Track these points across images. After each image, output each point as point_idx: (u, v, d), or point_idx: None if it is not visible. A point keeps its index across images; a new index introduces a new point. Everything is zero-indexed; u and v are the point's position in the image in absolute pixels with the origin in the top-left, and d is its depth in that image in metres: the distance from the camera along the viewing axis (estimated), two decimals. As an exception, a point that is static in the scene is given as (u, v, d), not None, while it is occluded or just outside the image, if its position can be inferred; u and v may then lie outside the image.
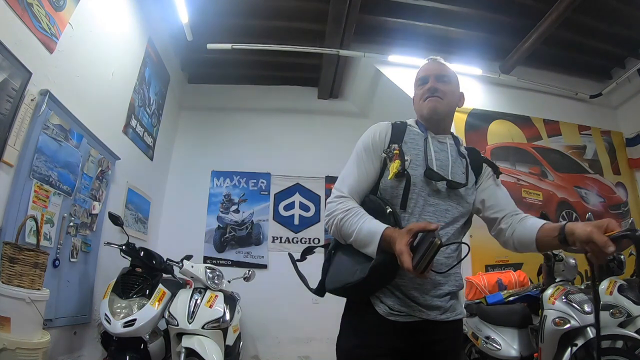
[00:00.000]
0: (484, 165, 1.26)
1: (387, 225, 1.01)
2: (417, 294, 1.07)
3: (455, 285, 1.14)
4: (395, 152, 1.13)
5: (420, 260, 0.87)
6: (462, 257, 1.10)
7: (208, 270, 2.75)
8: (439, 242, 0.85)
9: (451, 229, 1.14)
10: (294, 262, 1.40)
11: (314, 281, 1.24)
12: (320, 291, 1.18)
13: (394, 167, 1.11)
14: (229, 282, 3.06)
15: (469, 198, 1.19)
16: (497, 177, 1.26)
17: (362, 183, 1.15)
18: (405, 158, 1.13)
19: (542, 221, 1.08)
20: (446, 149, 1.23)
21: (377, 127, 1.23)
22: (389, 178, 1.12)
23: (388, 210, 1.07)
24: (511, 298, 2.77)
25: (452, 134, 1.30)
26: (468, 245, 1.07)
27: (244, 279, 3.15)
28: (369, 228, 1.02)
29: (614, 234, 0.85)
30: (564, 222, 0.98)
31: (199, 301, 2.56)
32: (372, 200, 1.13)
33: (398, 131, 1.21)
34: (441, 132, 1.27)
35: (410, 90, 4.90)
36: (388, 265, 0.97)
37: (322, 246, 1.28)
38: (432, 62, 1.32)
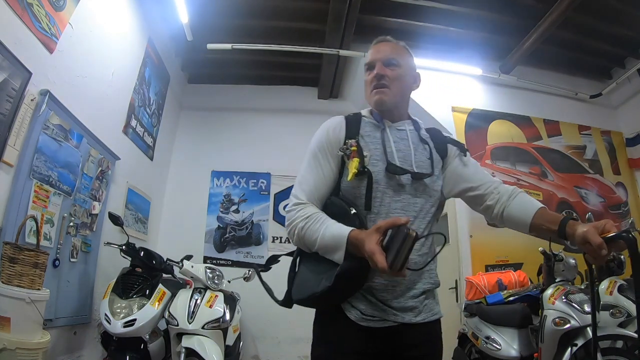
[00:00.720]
0: (449, 145, 1.18)
1: (352, 228, 0.93)
2: (390, 296, 1.00)
3: (431, 282, 1.07)
4: (352, 148, 1.04)
5: (396, 257, 0.81)
6: (438, 250, 1.03)
7: (208, 270, 2.75)
8: (414, 235, 0.80)
9: (422, 222, 1.07)
10: (258, 273, 1.35)
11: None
12: (287, 302, 1.10)
13: (352, 166, 1.02)
14: (229, 282, 3.06)
15: (436, 185, 1.11)
16: (465, 155, 1.16)
17: (321, 186, 1.07)
18: (364, 154, 1.05)
19: (535, 203, 1.03)
20: (406, 136, 1.14)
21: (329, 123, 1.15)
22: (348, 179, 1.03)
23: (352, 212, 1.00)
24: (511, 298, 2.77)
25: (410, 118, 1.20)
26: (444, 236, 1.00)
27: (244, 279, 3.15)
28: (332, 233, 0.95)
29: (609, 236, 0.84)
30: (563, 217, 0.94)
31: (199, 301, 2.56)
32: (334, 203, 1.05)
33: (353, 125, 1.12)
34: (398, 119, 1.17)
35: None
36: (356, 271, 0.92)
37: (288, 254, 1.20)
38: (381, 44, 1.21)
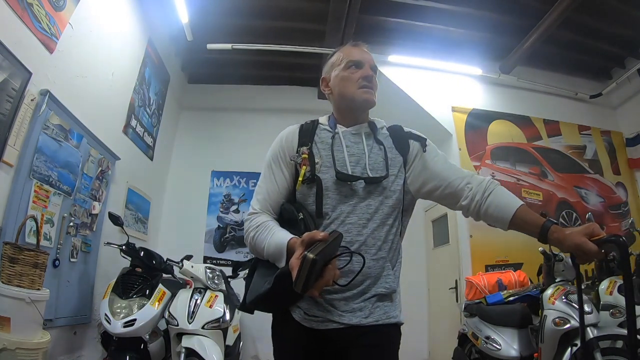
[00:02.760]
0: (411, 141, 1.15)
1: (292, 236, 0.94)
2: (339, 297, 0.99)
3: (385, 287, 1.03)
4: (303, 156, 1.06)
5: (297, 279, 0.77)
6: (360, 268, 0.93)
7: (208, 270, 2.75)
8: (311, 258, 0.76)
9: (376, 223, 1.04)
10: (226, 280, 1.34)
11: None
12: (242, 306, 1.09)
13: (301, 174, 1.04)
14: (228, 282, 3.06)
15: (394, 186, 1.08)
16: (424, 150, 1.12)
17: (274, 195, 1.08)
18: (316, 161, 1.06)
19: (513, 200, 1.01)
20: (361, 139, 1.12)
21: (284, 132, 1.17)
22: (297, 187, 1.05)
23: (299, 217, 1.01)
24: (511, 298, 2.77)
25: (369, 121, 1.18)
26: (362, 256, 0.93)
27: (244, 279, 3.14)
28: (276, 242, 0.97)
29: (599, 239, 0.86)
30: (545, 222, 0.94)
31: (199, 301, 2.56)
32: (287, 209, 1.06)
33: (307, 132, 1.13)
34: (357, 123, 1.16)
35: (411, 90, 4.86)
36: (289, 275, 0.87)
37: (248, 261, 1.22)
38: (363, 48, 1.22)
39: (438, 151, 1.16)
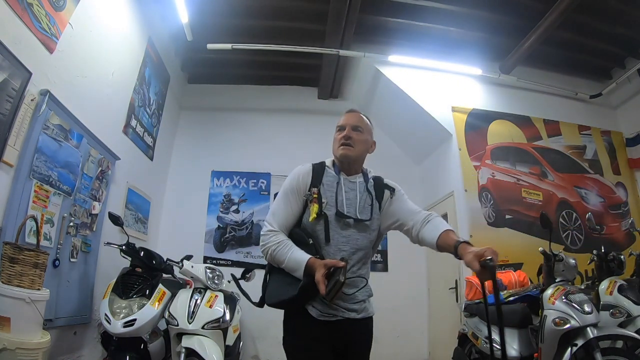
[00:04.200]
0: (385, 191, 1.50)
1: (310, 256, 1.29)
2: (340, 301, 1.34)
3: (367, 294, 1.44)
4: (314, 195, 1.39)
5: (330, 291, 1.20)
6: (362, 285, 1.39)
7: (208, 270, 2.75)
8: (342, 281, 1.18)
9: (361, 253, 1.42)
10: (236, 280, 1.91)
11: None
12: (260, 304, 1.44)
13: (313, 210, 1.37)
14: (229, 282, 3.06)
15: (373, 226, 1.45)
16: (392, 197, 1.48)
17: (289, 218, 1.42)
18: (323, 200, 1.40)
19: (441, 227, 1.33)
20: (355, 187, 1.47)
21: (300, 170, 1.47)
22: (310, 219, 1.38)
23: (310, 242, 1.35)
24: (511, 298, 2.77)
25: (363, 171, 1.53)
26: (366, 279, 1.40)
27: (244, 279, 3.14)
28: (295, 258, 1.31)
29: (482, 261, 1.09)
30: (455, 242, 1.22)
31: (199, 301, 2.56)
32: (297, 233, 1.40)
33: (317, 174, 1.46)
34: (353, 173, 1.50)
35: (411, 90, 4.88)
36: (312, 285, 1.24)
37: (261, 267, 1.55)
38: (351, 113, 1.56)
39: (404, 196, 1.52)
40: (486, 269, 1.08)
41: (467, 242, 1.21)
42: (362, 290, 1.40)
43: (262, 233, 1.42)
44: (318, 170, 1.48)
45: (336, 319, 1.35)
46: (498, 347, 2.55)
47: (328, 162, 1.53)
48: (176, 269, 2.80)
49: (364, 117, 1.57)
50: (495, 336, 2.59)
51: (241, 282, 3.17)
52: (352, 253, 1.38)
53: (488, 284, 1.14)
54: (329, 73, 4.66)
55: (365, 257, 1.44)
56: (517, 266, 3.50)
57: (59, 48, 2.36)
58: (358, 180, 1.50)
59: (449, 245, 1.26)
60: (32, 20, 2.12)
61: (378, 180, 1.54)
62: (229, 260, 4.38)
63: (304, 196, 1.42)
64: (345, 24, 3.80)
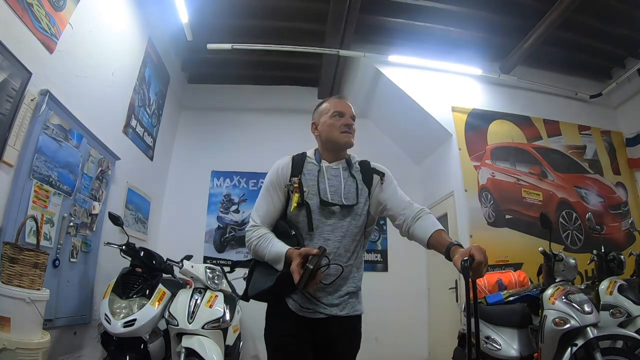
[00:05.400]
0: (374, 175, 1.47)
1: (288, 247, 1.26)
2: (321, 294, 1.32)
3: (354, 286, 1.38)
4: (295, 185, 1.37)
5: (300, 280, 1.14)
6: (338, 272, 1.30)
7: (208, 270, 2.75)
8: (311, 267, 1.13)
9: (349, 239, 1.38)
10: (224, 273, 1.94)
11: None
12: (245, 297, 1.42)
13: (294, 200, 1.35)
14: (228, 282, 3.06)
15: (361, 210, 1.41)
16: (382, 183, 1.45)
17: (271, 212, 1.40)
18: (304, 189, 1.37)
19: (433, 226, 1.30)
20: (339, 173, 1.45)
21: (279, 163, 1.47)
22: (291, 210, 1.36)
23: (292, 233, 1.34)
24: (511, 298, 2.77)
25: (346, 158, 1.50)
26: (342, 266, 1.30)
27: (244, 279, 3.14)
28: (276, 250, 1.29)
29: (462, 261, 1.10)
30: (449, 244, 1.20)
31: (199, 301, 2.56)
32: (281, 225, 1.39)
33: (297, 165, 1.44)
34: (337, 159, 1.48)
35: (411, 90, 4.86)
36: (289, 276, 1.19)
37: (248, 261, 1.52)
38: (346, 103, 1.51)
39: (393, 182, 1.48)
40: (465, 269, 1.09)
41: (460, 245, 1.21)
42: (347, 281, 1.35)
43: (246, 230, 1.42)
44: (298, 160, 1.46)
45: (317, 316, 1.30)
46: (498, 347, 2.55)
47: (309, 152, 1.51)
48: (176, 269, 2.80)
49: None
50: (496, 336, 2.60)
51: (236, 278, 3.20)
52: (338, 241, 1.35)
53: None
54: (329, 73, 4.66)
55: (355, 245, 1.40)
56: (517, 266, 3.50)
57: (59, 48, 2.36)
58: (341, 166, 1.47)
59: (441, 246, 1.24)
60: (32, 20, 2.12)
61: (365, 165, 1.50)
62: (229, 260, 4.36)
63: (285, 187, 1.40)
64: (345, 24, 3.79)
